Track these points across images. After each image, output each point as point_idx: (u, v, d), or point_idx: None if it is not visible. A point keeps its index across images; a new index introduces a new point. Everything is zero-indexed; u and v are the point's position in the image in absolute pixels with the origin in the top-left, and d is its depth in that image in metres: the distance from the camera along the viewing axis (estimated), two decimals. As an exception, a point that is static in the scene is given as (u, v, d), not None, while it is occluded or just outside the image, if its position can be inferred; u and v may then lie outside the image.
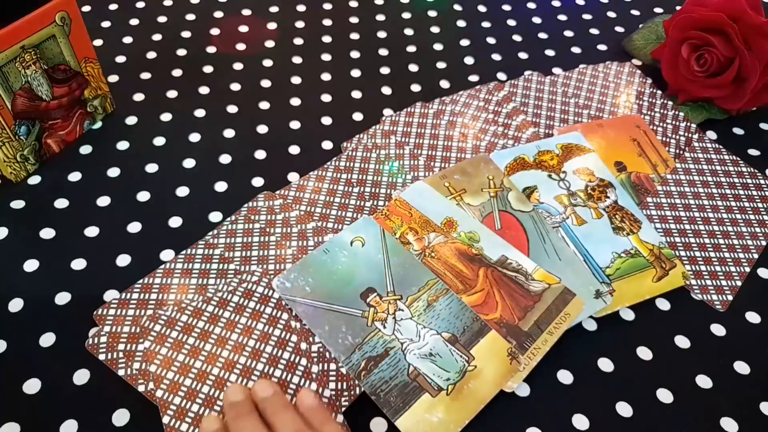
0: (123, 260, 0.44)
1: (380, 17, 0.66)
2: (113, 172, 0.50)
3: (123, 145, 0.52)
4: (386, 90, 0.58)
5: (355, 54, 0.62)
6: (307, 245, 0.45)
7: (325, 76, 0.59)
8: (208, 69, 0.59)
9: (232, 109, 0.55)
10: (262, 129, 0.54)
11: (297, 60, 0.60)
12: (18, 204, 0.47)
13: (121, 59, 0.59)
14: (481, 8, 0.68)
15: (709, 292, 0.46)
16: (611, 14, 0.69)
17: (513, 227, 0.47)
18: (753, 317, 0.45)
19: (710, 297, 0.45)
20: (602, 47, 0.64)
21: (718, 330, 0.44)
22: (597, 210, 0.49)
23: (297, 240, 0.45)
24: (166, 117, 0.54)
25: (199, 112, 0.55)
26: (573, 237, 0.47)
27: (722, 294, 0.45)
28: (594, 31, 0.66)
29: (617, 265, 0.46)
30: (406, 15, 0.67)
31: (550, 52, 0.63)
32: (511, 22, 0.67)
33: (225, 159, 0.51)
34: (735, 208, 0.51)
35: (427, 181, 0.49)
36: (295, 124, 0.55)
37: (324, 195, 0.48)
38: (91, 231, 0.46)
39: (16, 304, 0.42)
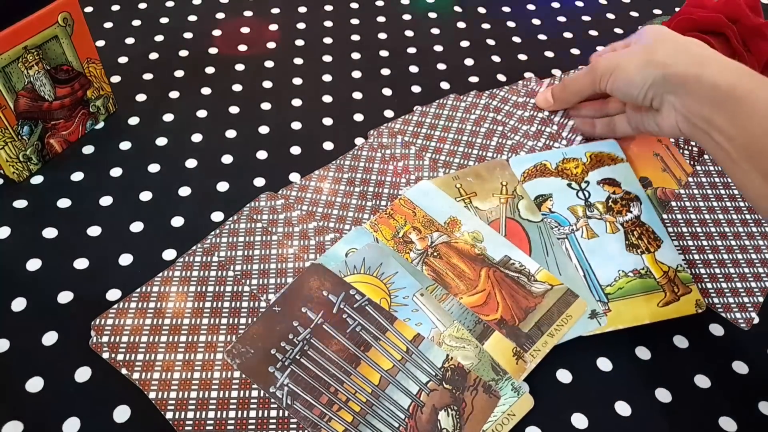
0: (125, 260, 0.45)
1: (381, 19, 0.66)
2: (116, 171, 0.50)
3: (125, 145, 0.52)
4: (387, 91, 0.58)
5: (355, 55, 0.62)
6: (308, 244, 0.45)
7: (326, 77, 0.59)
8: (210, 70, 0.59)
9: (233, 109, 0.56)
10: (264, 129, 0.54)
11: (298, 61, 0.61)
12: (21, 204, 0.47)
13: (123, 60, 0.59)
14: (481, 10, 0.68)
15: (732, 310, 0.44)
16: (610, 15, 0.69)
17: (517, 236, 0.46)
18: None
19: (734, 315, 0.44)
20: (601, 48, 0.65)
21: (716, 330, 0.44)
22: (614, 224, 0.47)
23: (299, 239, 0.46)
24: (168, 117, 0.54)
25: (201, 113, 0.55)
26: (578, 250, 0.46)
27: (745, 312, 0.44)
28: (593, 32, 0.67)
29: (620, 285, 0.44)
30: (407, 17, 0.67)
31: (549, 54, 0.64)
32: (511, 24, 0.67)
33: (227, 159, 0.52)
34: (750, 221, 0.49)
35: (438, 180, 0.49)
36: (296, 125, 0.55)
37: (326, 195, 0.49)
38: (94, 230, 0.46)
39: (19, 303, 0.42)
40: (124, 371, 0.39)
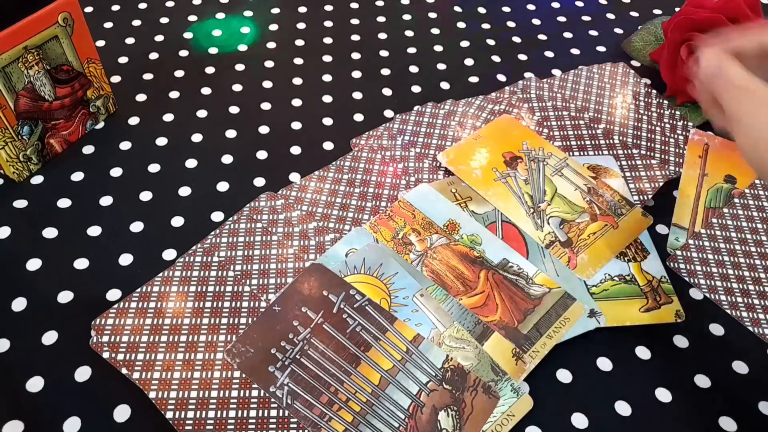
0: (125, 259, 0.45)
1: (381, 19, 0.66)
2: (116, 171, 0.50)
3: (125, 145, 0.52)
4: (387, 91, 0.58)
5: (355, 55, 0.62)
6: (308, 244, 0.45)
7: (326, 77, 0.59)
8: (209, 70, 0.59)
9: (233, 109, 0.56)
10: (264, 129, 0.54)
11: (298, 61, 0.61)
12: (21, 203, 0.47)
13: (123, 60, 0.59)
14: (481, 10, 0.69)
15: (761, 325, 0.44)
16: (610, 16, 0.69)
17: (514, 238, 0.47)
18: (751, 317, 0.45)
19: (762, 330, 0.44)
20: (601, 48, 0.65)
21: (716, 330, 0.44)
22: None
23: (299, 240, 0.46)
24: (168, 117, 0.54)
25: (201, 113, 0.55)
26: None
27: None
28: (593, 32, 0.67)
29: (606, 287, 0.45)
30: (407, 17, 0.67)
31: (549, 54, 0.64)
32: (511, 24, 0.67)
33: (227, 159, 0.52)
34: None
35: (434, 185, 0.49)
36: (296, 125, 0.55)
37: (326, 195, 0.49)
38: (94, 230, 0.46)
39: (19, 303, 0.42)
40: (124, 371, 0.39)
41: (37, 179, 0.49)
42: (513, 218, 0.48)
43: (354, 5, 0.68)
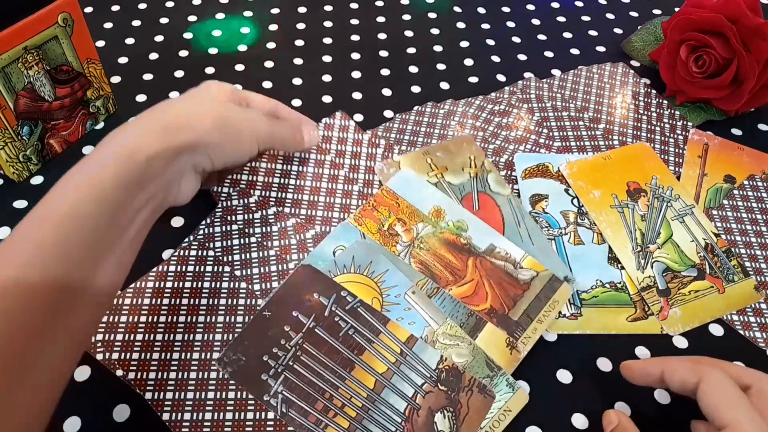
0: (124, 259, 0.45)
1: (380, 19, 0.66)
2: (115, 172, 0.50)
3: (124, 146, 0.52)
4: (386, 91, 0.58)
5: (355, 55, 0.62)
6: (305, 238, 0.45)
7: (326, 77, 0.59)
8: (210, 70, 0.59)
9: (232, 109, 0.56)
10: (263, 130, 0.54)
11: (298, 61, 0.61)
12: (21, 204, 0.48)
13: (123, 60, 0.59)
14: (481, 10, 0.68)
15: (752, 328, 0.44)
16: (610, 16, 0.69)
17: (490, 208, 0.47)
18: (751, 318, 0.45)
19: (753, 334, 0.44)
20: (601, 49, 0.65)
21: (716, 330, 0.44)
22: (600, 236, 0.48)
23: (278, 239, 0.45)
24: (167, 118, 0.54)
25: (200, 113, 0.55)
26: (562, 253, 0.46)
27: None
28: (593, 32, 0.67)
29: (596, 293, 0.45)
30: (407, 17, 0.67)
31: (549, 54, 0.64)
32: (510, 24, 0.67)
33: (226, 159, 0.52)
34: None
35: (410, 155, 0.49)
36: (295, 125, 0.55)
37: (310, 180, 0.49)
38: (93, 230, 0.46)
39: (18, 303, 0.42)
40: (119, 372, 0.38)
41: (37, 179, 0.49)
42: (616, 250, 0.47)
43: (354, 5, 0.68)
